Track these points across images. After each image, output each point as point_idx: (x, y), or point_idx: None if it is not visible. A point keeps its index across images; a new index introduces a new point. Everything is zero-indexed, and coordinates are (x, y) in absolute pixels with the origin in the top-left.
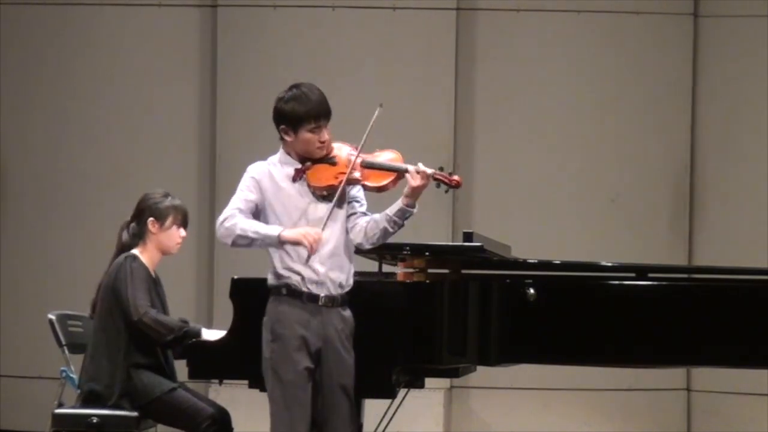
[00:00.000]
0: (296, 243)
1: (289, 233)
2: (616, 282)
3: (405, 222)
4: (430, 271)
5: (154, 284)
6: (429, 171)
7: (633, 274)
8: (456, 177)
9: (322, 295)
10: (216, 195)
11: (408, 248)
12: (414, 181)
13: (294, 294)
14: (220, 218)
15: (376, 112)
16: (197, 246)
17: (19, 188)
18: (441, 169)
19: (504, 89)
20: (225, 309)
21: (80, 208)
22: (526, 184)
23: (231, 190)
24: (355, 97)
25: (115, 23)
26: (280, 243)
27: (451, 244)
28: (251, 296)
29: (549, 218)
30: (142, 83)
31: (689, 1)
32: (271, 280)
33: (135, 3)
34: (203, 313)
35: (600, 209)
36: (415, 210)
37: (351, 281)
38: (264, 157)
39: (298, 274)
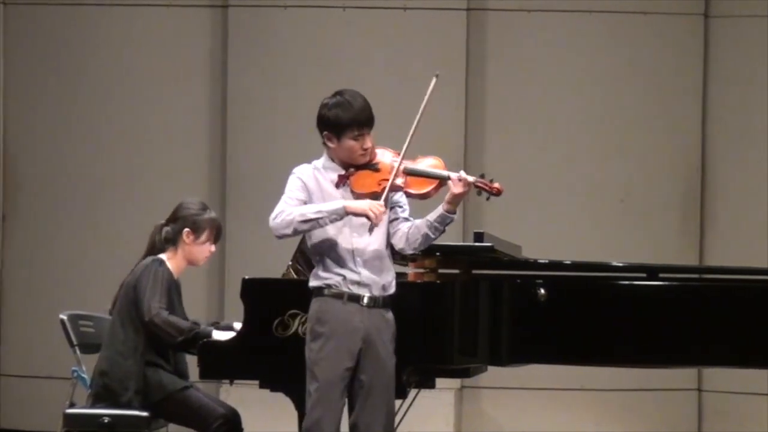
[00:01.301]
0: (361, 214)
1: (353, 204)
2: (627, 282)
3: (446, 228)
4: (440, 271)
5: (176, 289)
6: (470, 178)
7: (644, 275)
8: (497, 185)
9: (365, 295)
10: (226, 195)
11: None
12: (455, 188)
13: (335, 294)
14: (272, 215)
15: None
16: None
17: (29, 189)
18: (482, 176)
19: (514, 89)
20: (236, 309)
21: (90, 207)
22: (536, 184)
23: (241, 190)
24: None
25: (125, 23)
26: (345, 214)
27: (461, 244)
28: (262, 296)
29: (559, 218)
30: (151, 83)
31: (700, 1)
32: (313, 281)
33: (144, 3)
34: (214, 313)
35: (610, 209)
36: (455, 216)
37: (394, 285)
38: (274, 158)
39: (340, 274)
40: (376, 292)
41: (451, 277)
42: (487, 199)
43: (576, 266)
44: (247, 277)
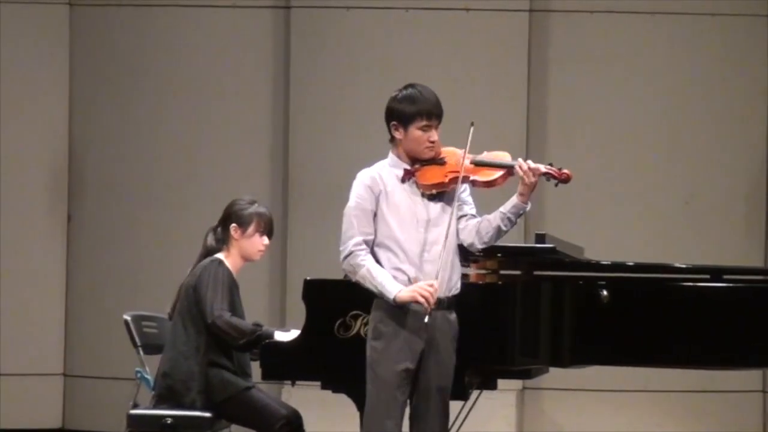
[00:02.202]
0: (410, 300)
1: (403, 294)
2: (691, 284)
3: (518, 220)
4: (502, 272)
5: (236, 289)
6: (538, 166)
7: (708, 276)
8: (566, 171)
9: None
10: (288, 196)
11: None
12: (525, 177)
13: None
14: (344, 251)
15: (471, 132)
16: (270, 246)
17: (95, 190)
18: (551, 164)
19: (577, 91)
20: (298, 310)
21: (155, 208)
22: (599, 186)
23: (303, 192)
24: None
25: (188, 24)
26: (394, 303)
27: (523, 245)
28: (324, 297)
29: (622, 219)
30: (214, 84)
31: (765, 2)
32: None
33: (207, 4)
34: (276, 314)
35: (674, 211)
36: (528, 206)
37: (459, 285)
38: (336, 159)
39: (405, 273)
40: (441, 293)
41: (513, 278)
42: (556, 185)
43: (639, 267)
44: (308, 278)
